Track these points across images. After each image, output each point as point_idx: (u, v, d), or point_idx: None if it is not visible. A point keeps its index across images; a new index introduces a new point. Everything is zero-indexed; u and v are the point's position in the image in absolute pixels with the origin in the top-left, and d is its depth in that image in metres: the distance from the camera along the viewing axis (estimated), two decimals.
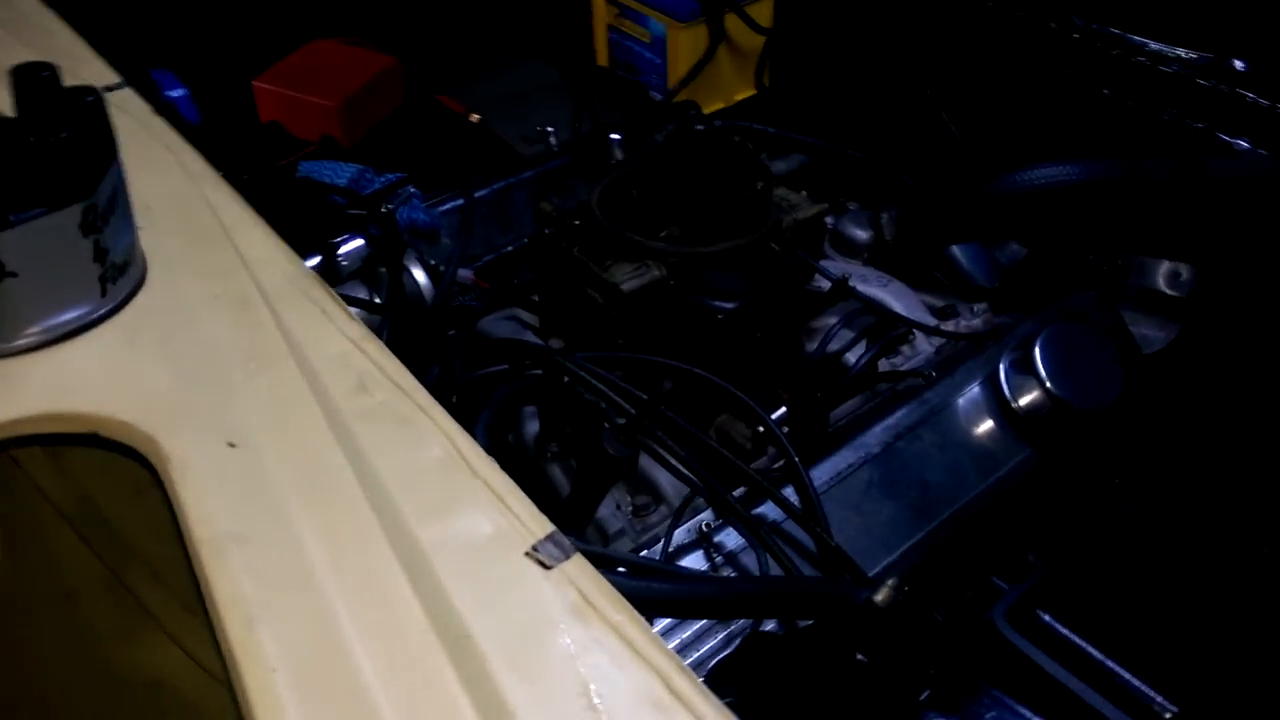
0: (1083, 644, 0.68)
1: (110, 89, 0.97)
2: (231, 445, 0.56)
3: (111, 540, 0.76)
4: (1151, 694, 0.66)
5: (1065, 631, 0.69)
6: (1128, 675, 0.67)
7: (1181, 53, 1.48)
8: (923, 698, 0.65)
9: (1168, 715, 0.65)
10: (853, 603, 0.68)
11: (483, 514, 0.59)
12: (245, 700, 0.44)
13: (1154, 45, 1.49)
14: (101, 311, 0.62)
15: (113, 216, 0.61)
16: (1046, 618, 0.70)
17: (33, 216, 0.57)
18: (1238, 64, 1.45)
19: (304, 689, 0.45)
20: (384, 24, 2.16)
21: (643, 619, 0.55)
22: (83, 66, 1.00)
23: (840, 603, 0.68)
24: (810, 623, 0.75)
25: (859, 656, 0.63)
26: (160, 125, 0.91)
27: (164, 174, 0.80)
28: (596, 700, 0.50)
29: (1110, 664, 0.67)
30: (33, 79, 0.60)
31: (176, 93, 1.63)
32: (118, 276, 0.63)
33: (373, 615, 0.50)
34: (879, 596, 0.68)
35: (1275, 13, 1.48)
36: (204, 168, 0.86)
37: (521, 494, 0.61)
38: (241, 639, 0.45)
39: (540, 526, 0.59)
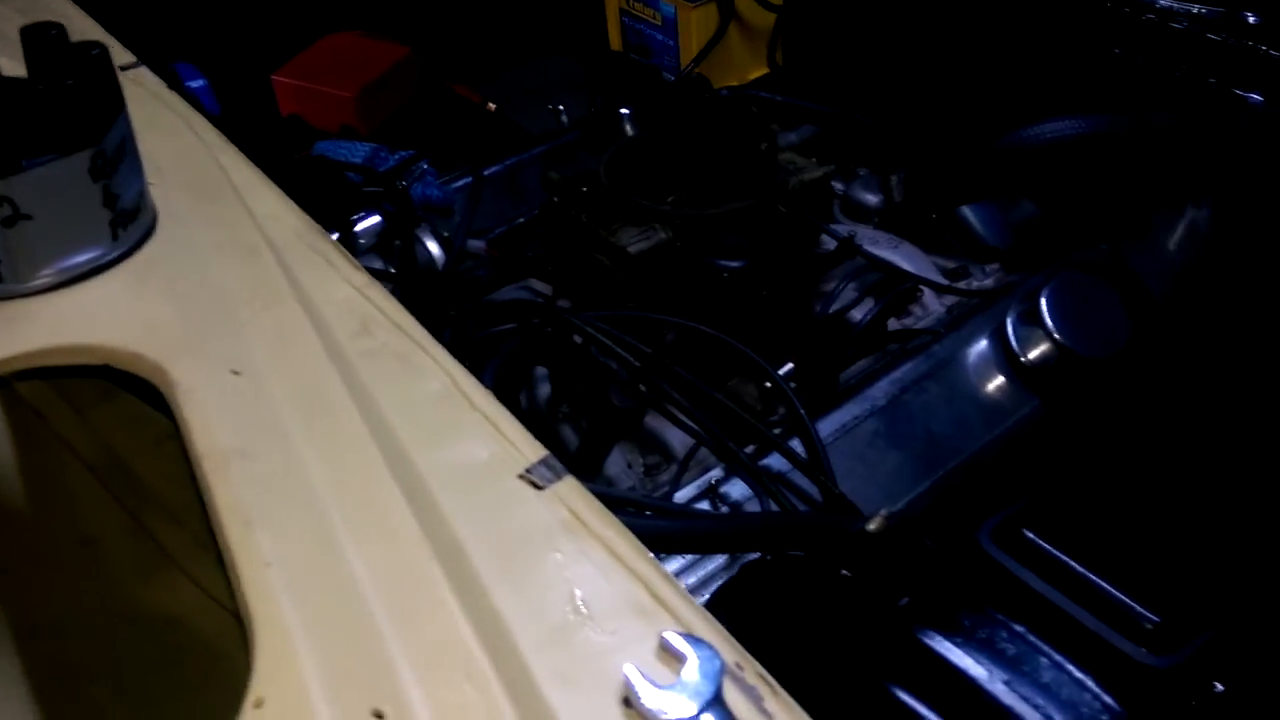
0: (1067, 560, 0.69)
1: (125, 68, 1.01)
2: (236, 373, 0.58)
3: (133, 488, 0.80)
4: (1134, 605, 0.67)
5: (1049, 549, 0.70)
6: (1110, 588, 0.68)
7: (1193, 8, 1.46)
8: (902, 603, 0.67)
9: (1148, 624, 0.65)
10: (847, 531, 0.69)
11: (479, 441, 0.61)
12: (242, 594, 0.46)
13: (1163, 1, 1.48)
14: (113, 255, 0.65)
15: (121, 164, 0.64)
16: (1031, 536, 0.71)
17: (44, 162, 0.60)
18: (1250, 17, 1.44)
19: (297, 584, 0.47)
20: (400, 16, 2.20)
21: (630, 533, 0.56)
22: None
23: (835, 532, 0.70)
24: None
25: (844, 572, 0.65)
26: (173, 97, 0.94)
27: (175, 137, 0.83)
28: (582, 605, 0.52)
29: (1093, 578, 0.68)
30: (42, 36, 0.63)
31: (197, 83, 1.68)
32: (128, 222, 0.66)
33: (368, 526, 0.52)
34: (871, 525, 0.69)
35: None
36: (216, 136, 0.88)
37: (517, 423, 0.63)
38: (239, 538, 0.48)
39: (534, 452, 0.61)
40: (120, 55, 1.04)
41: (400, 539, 0.52)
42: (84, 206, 0.62)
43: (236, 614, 0.73)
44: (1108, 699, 0.60)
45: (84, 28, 1.10)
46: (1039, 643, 0.64)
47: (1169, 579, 0.70)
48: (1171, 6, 1.47)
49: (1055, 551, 0.70)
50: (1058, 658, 0.63)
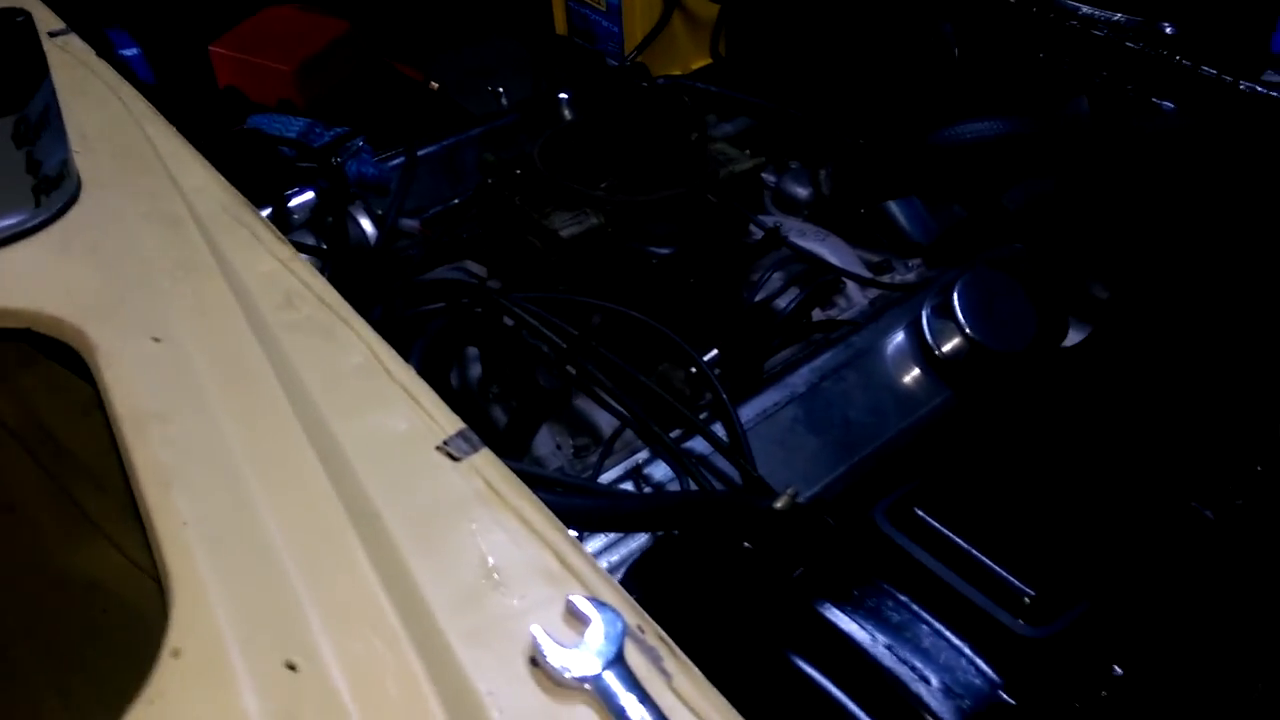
0: (953, 537, 0.74)
1: (54, 34, 1.00)
2: (156, 340, 0.59)
3: (57, 454, 0.80)
4: (1013, 580, 0.71)
5: (938, 526, 0.75)
6: (991, 564, 0.72)
7: (1113, 17, 1.52)
8: (796, 574, 0.71)
9: (1026, 598, 0.70)
10: (755, 508, 0.72)
11: (398, 413, 0.63)
12: (159, 551, 0.48)
13: (1085, 9, 1.54)
14: (35, 221, 0.66)
15: (45, 132, 0.65)
16: (921, 514, 0.76)
17: None
18: (1167, 28, 1.51)
19: (213, 542, 0.49)
20: None
21: (541, 504, 0.59)
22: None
23: (744, 509, 0.73)
24: None
25: (745, 545, 0.68)
26: (102, 66, 0.93)
27: (102, 106, 0.83)
28: (494, 572, 0.54)
29: (976, 554, 0.72)
30: None
31: (130, 51, 1.65)
32: (51, 189, 0.66)
33: (284, 490, 0.54)
34: (778, 504, 0.73)
35: None
36: (145, 106, 0.88)
37: (436, 397, 0.65)
38: (157, 499, 0.49)
39: (452, 425, 0.63)
40: (50, 21, 1.03)
41: (315, 502, 0.54)
42: (6, 172, 0.63)
43: (158, 579, 0.74)
44: (982, 664, 0.65)
45: None
46: (922, 612, 0.68)
47: (1047, 556, 0.75)
48: (1093, 14, 1.52)
49: (943, 529, 0.74)
50: (939, 626, 0.67)
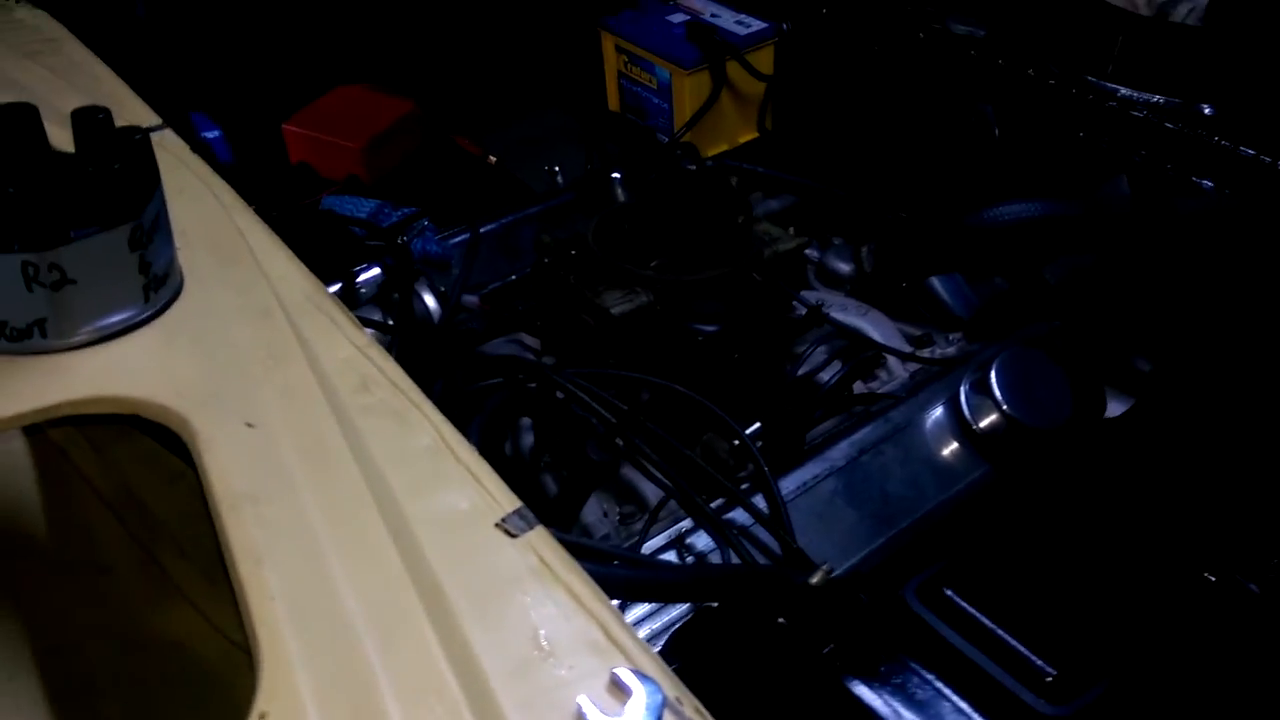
0: (979, 616, 0.77)
1: (153, 129, 1.10)
2: (250, 425, 0.66)
3: (146, 522, 0.87)
4: (1034, 659, 0.74)
5: (965, 606, 0.78)
6: (1015, 642, 0.75)
7: (1152, 98, 1.57)
8: (827, 650, 0.74)
9: (1048, 677, 0.73)
10: (791, 583, 0.77)
11: (461, 492, 0.68)
12: (250, 622, 0.53)
13: (1124, 91, 1.59)
14: (144, 315, 0.73)
15: (156, 235, 0.72)
16: (950, 593, 0.79)
17: (89, 234, 0.68)
18: (1205, 109, 1.54)
19: (297, 615, 0.54)
20: (407, 70, 2.30)
21: (591, 579, 0.64)
22: (127, 109, 1.12)
23: (781, 583, 0.77)
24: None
25: (780, 620, 0.72)
26: (196, 161, 1.02)
27: (199, 202, 0.91)
28: (544, 642, 0.59)
29: (1001, 633, 0.75)
30: (90, 119, 0.72)
31: (211, 134, 1.77)
32: (159, 286, 0.74)
33: (359, 564, 0.59)
34: (814, 579, 0.77)
35: (1239, 62, 1.57)
36: (234, 198, 0.97)
37: (496, 477, 0.70)
38: (249, 574, 0.55)
39: (510, 503, 0.68)
40: (147, 117, 1.13)
41: (387, 577, 0.59)
42: (122, 273, 0.70)
43: (236, 642, 0.80)
44: None
45: (112, 88, 1.19)
46: (946, 689, 0.71)
47: (1071, 635, 0.78)
48: (1132, 96, 1.57)
49: (970, 609, 0.78)
50: (962, 704, 0.70)
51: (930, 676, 0.72)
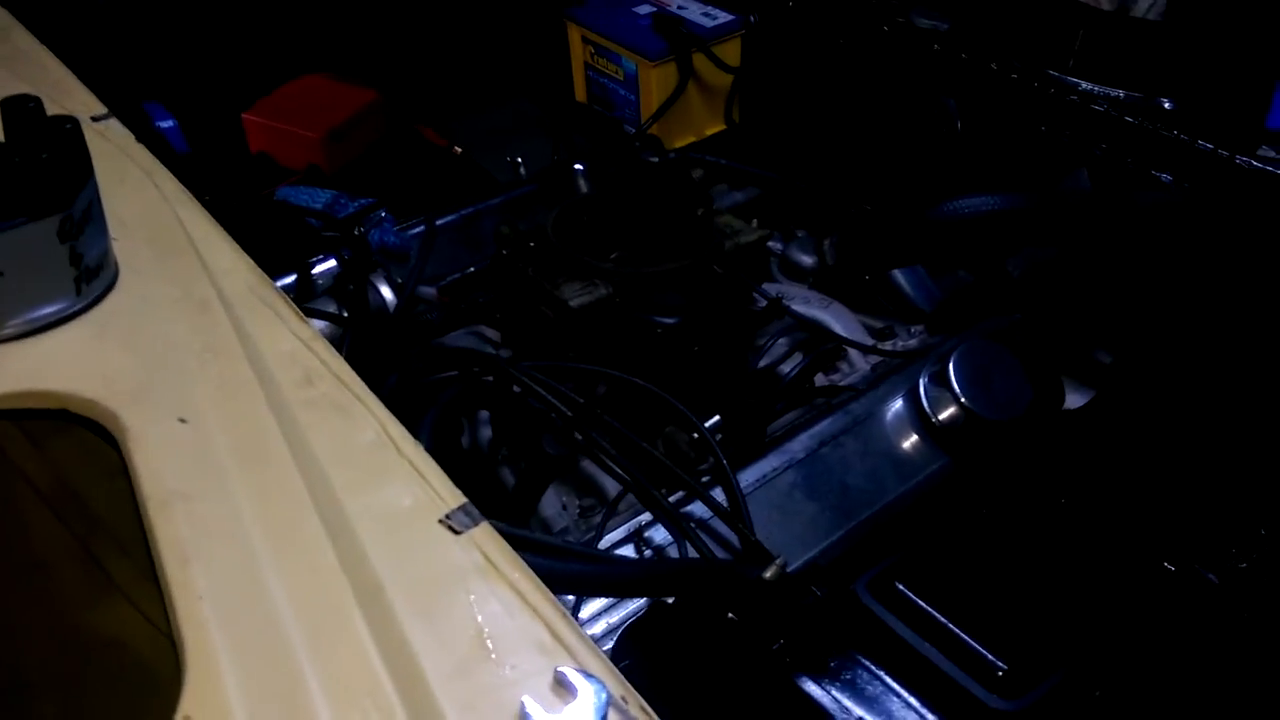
0: (931, 611, 0.77)
1: (97, 119, 1.07)
2: (182, 421, 0.64)
3: (83, 516, 0.85)
4: (986, 654, 0.74)
5: (917, 600, 0.78)
6: (966, 637, 0.75)
7: (1113, 92, 1.57)
8: (776, 646, 0.74)
9: (999, 671, 0.73)
10: (744, 578, 0.76)
11: (404, 488, 0.67)
12: (175, 622, 0.52)
13: (1085, 85, 1.59)
14: (75, 308, 0.71)
15: (88, 226, 0.70)
16: (901, 588, 0.79)
17: (16, 225, 0.66)
18: (1165, 103, 1.55)
19: (225, 615, 0.53)
20: (369, 60, 2.27)
21: (536, 578, 0.63)
22: (73, 98, 1.10)
23: (734, 578, 0.77)
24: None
25: (730, 615, 0.72)
26: (140, 151, 1.00)
27: (139, 192, 0.89)
28: (489, 643, 0.58)
29: (953, 628, 0.75)
30: (20, 108, 0.70)
31: (166, 124, 1.73)
32: (91, 279, 0.72)
33: (293, 564, 0.58)
34: (767, 574, 0.76)
35: (1199, 57, 1.58)
36: (177, 188, 0.95)
37: (441, 472, 0.69)
38: (176, 574, 0.54)
39: (454, 499, 0.67)
40: (93, 105, 1.10)
41: (322, 576, 0.58)
42: (51, 265, 0.68)
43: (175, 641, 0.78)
44: None
45: (59, 77, 1.16)
46: (896, 685, 0.71)
47: (1020, 631, 0.78)
48: (1093, 90, 1.57)
49: (921, 603, 0.77)
50: (912, 699, 0.70)
51: (880, 672, 0.72)
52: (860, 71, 1.75)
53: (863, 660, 0.72)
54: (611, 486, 1.19)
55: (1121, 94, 1.56)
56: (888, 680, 0.71)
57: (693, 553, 0.99)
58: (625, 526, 1.10)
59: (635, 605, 1.01)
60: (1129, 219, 1.46)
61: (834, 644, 0.74)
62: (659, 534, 1.09)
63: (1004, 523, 0.92)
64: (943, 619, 0.76)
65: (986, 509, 0.94)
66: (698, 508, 1.10)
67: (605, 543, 1.07)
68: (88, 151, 0.71)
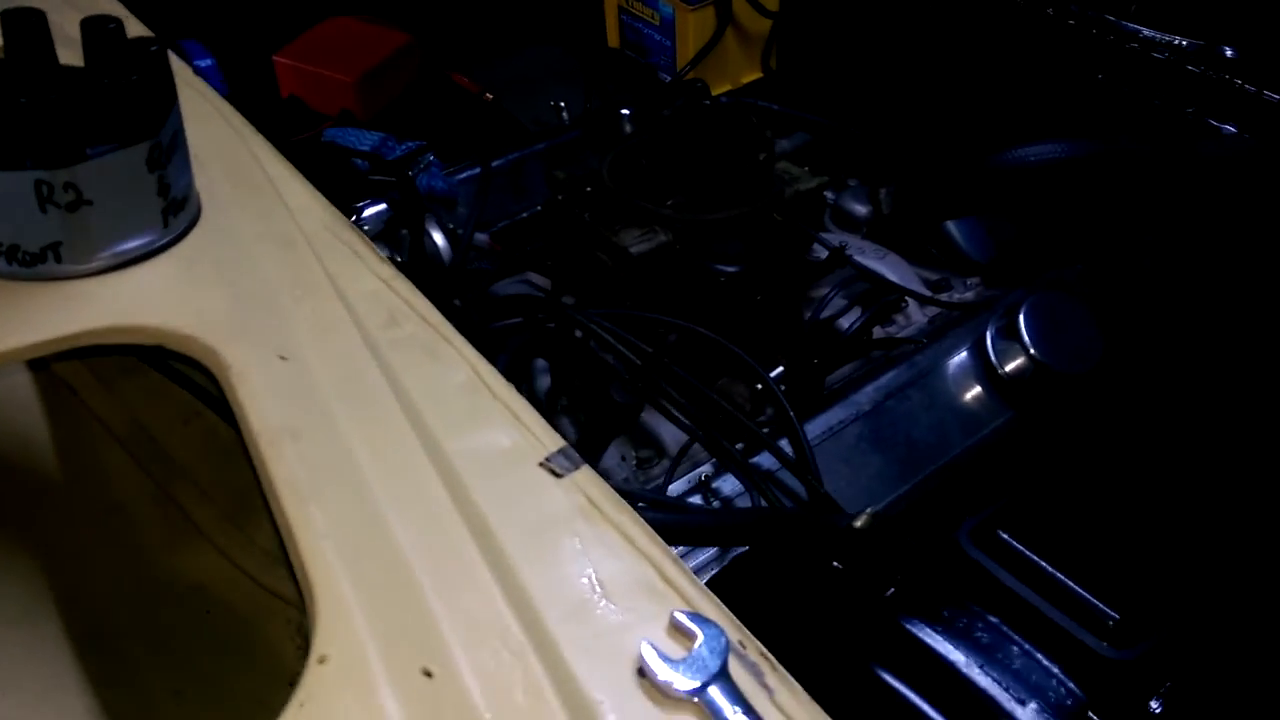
0: (1037, 560, 0.75)
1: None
2: (283, 358, 0.62)
3: (159, 459, 0.83)
4: (1096, 603, 0.73)
5: (1022, 549, 0.76)
6: (1076, 587, 0.74)
7: (1174, 40, 1.53)
8: (889, 594, 0.72)
9: (1110, 621, 0.71)
10: (835, 527, 0.74)
11: (502, 430, 0.65)
12: (300, 563, 0.50)
13: (1146, 32, 1.55)
14: (163, 241, 0.69)
15: (174, 155, 0.68)
16: (1005, 536, 0.77)
17: (106, 151, 0.63)
18: (1227, 51, 1.51)
19: (349, 554, 0.51)
20: (402, 2, 2.22)
21: (642, 520, 0.61)
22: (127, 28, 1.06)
23: (825, 527, 0.75)
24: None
25: (835, 564, 0.70)
26: (202, 84, 0.97)
27: (211, 126, 0.86)
28: (599, 585, 0.56)
29: (1061, 577, 0.74)
30: (100, 29, 0.67)
31: (204, 62, 1.69)
32: (178, 210, 0.69)
33: (407, 502, 0.56)
34: (858, 522, 0.74)
35: (1263, 3, 1.53)
36: (244, 123, 0.92)
37: (537, 414, 0.67)
38: (296, 514, 0.52)
39: (553, 442, 0.65)
40: (142, 33, 1.07)
41: (437, 517, 0.56)
42: (140, 195, 0.66)
43: (265, 585, 0.77)
44: (1070, 685, 0.66)
45: (109, 6, 1.13)
46: (1011, 633, 0.69)
47: (1130, 579, 0.76)
48: (1154, 37, 1.53)
49: (1027, 551, 0.76)
50: (1027, 647, 0.68)
51: (994, 620, 0.70)
52: (909, 16, 1.70)
53: (976, 609, 0.71)
54: (669, 436, 1.17)
55: (1183, 42, 1.51)
56: (1004, 629, 0.70)
57: (764, 504, 0.98)
58: (687, 478, 1.09)
59: (704, 558, 0.99)
60: (1191, 170, 1.43)
61: (944, 593, 0.73)
62: (726, 484, 1.07)
63: (1097, 473, 0.90)
64: (1050, 568, 0.75)
65: (1077, 459, 0.93)
66: (761, 460, 1.08)
67: (671, 493, 1.06)
68: (173, 76, 0.68)
